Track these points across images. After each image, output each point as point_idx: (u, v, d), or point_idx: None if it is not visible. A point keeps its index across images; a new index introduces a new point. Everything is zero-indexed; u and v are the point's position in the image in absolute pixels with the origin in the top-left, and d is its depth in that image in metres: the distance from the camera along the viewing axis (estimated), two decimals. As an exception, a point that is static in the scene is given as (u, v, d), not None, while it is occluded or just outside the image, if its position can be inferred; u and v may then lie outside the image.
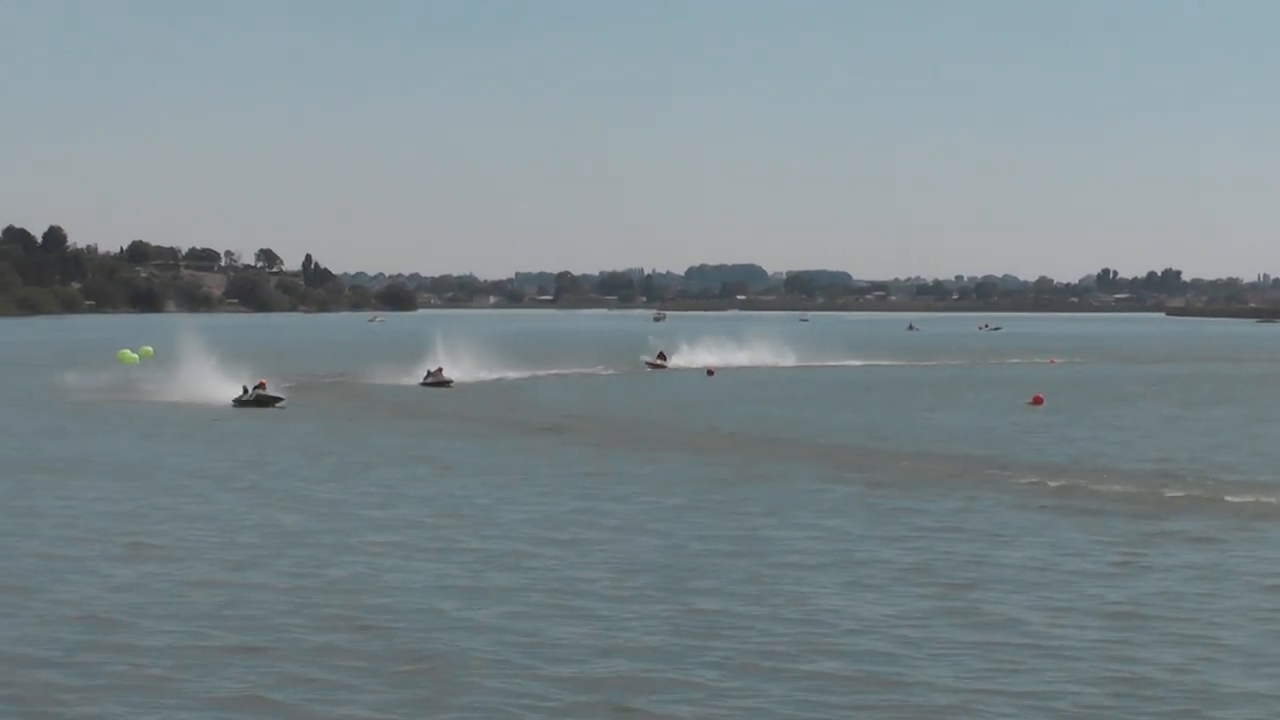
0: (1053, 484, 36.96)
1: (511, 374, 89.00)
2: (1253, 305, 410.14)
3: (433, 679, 17.88)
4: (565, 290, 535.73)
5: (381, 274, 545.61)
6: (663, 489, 36.02)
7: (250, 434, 51.75)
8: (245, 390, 64.59)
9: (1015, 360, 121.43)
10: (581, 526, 30.26)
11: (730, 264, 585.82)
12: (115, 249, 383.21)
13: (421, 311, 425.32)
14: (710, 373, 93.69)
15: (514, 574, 24.81)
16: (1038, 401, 68.92)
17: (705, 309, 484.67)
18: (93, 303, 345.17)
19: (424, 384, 77.52)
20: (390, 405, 65.95)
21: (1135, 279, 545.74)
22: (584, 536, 28.95)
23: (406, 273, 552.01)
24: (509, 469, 40.55)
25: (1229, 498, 34.39)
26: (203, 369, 71.37)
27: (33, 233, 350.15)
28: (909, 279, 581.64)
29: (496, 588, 23.59)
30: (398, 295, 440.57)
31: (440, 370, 79.88)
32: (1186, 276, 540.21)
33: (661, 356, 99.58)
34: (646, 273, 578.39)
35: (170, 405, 63.95)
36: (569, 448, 46.44)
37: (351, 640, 19.99)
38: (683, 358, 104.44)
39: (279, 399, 63.44)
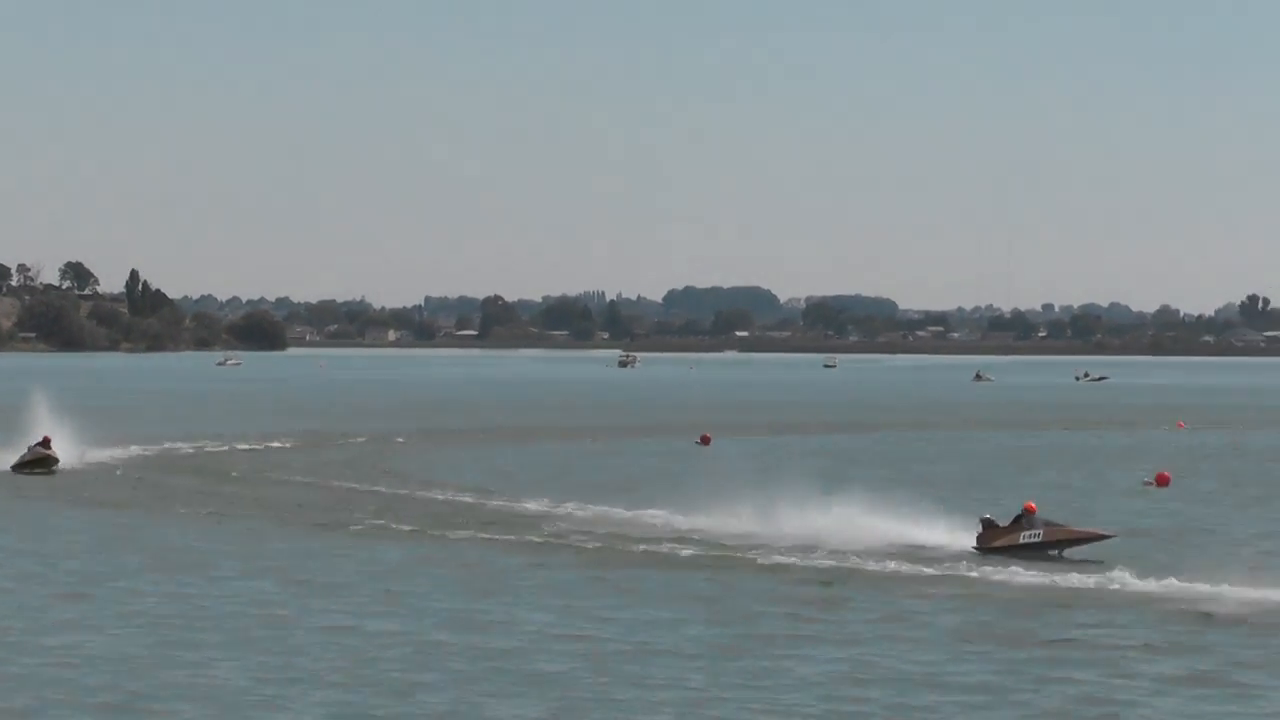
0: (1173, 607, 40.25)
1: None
2: None
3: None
4: (495, 322, 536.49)
5: (237, 299, 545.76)
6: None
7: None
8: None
9: (1126, 425, 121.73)
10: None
11: (727, 287, 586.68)
12: None
13: (294, 351, 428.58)
14: (704, 440, 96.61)
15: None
16: (1162, 482, 72.04)
17: (692, 349, 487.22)
18: None
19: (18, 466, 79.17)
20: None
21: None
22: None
23: (272, 297, 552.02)
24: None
25: None
26: None
27: None
28: (978, 309, 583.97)
29: None
30: (260, 328, 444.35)
31: (47, 441, 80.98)
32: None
33: (46, 444, 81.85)
34: (610, 298, 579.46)
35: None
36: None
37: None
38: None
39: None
